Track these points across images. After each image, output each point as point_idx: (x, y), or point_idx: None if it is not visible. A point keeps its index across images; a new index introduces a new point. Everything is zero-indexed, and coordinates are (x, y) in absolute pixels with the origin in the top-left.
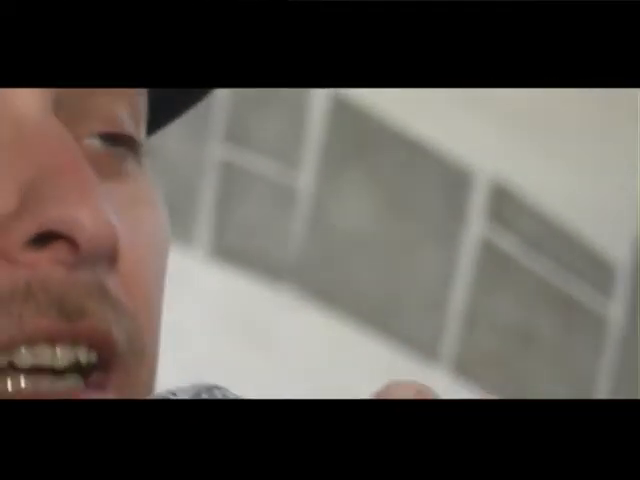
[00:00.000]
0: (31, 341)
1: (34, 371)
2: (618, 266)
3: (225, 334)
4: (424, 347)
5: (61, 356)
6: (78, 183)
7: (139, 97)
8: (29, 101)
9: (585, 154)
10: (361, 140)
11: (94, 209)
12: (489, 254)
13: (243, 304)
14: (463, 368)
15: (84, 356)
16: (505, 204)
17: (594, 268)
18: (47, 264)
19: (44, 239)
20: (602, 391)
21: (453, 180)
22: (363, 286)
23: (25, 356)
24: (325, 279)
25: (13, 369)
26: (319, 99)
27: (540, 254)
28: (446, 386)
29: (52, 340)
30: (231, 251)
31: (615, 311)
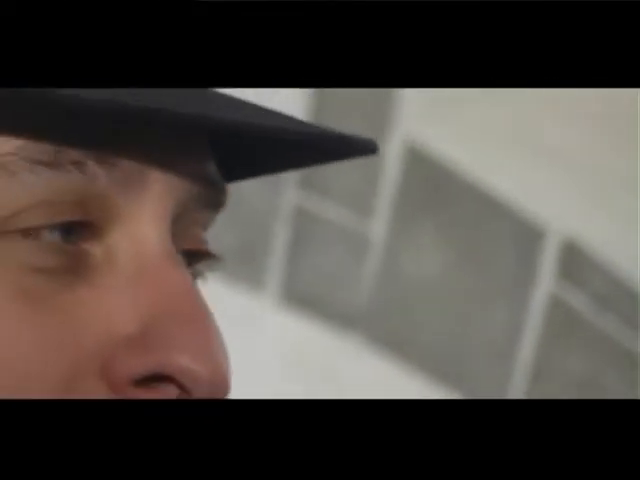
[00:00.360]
0: None
1: None
2: None
3: (293, 380)
4: None
5: None
6: (203, 334)
7: (216, 213)
8: (149, 231)
9: None
10: (434, 191)
11: (216, 364)
12: (558, 310)
13: (312, 351)
14: None
15: None
16: (575, 261)
17: None
18: None
19: (157, 378)
20: None
21: (524, 235)
22: (431, 337)
23: None
24: (394, 328)
25: None
26: (394, 148)
27: (609, 312)
28: None
29: None
30: (302, 297)
31: None
